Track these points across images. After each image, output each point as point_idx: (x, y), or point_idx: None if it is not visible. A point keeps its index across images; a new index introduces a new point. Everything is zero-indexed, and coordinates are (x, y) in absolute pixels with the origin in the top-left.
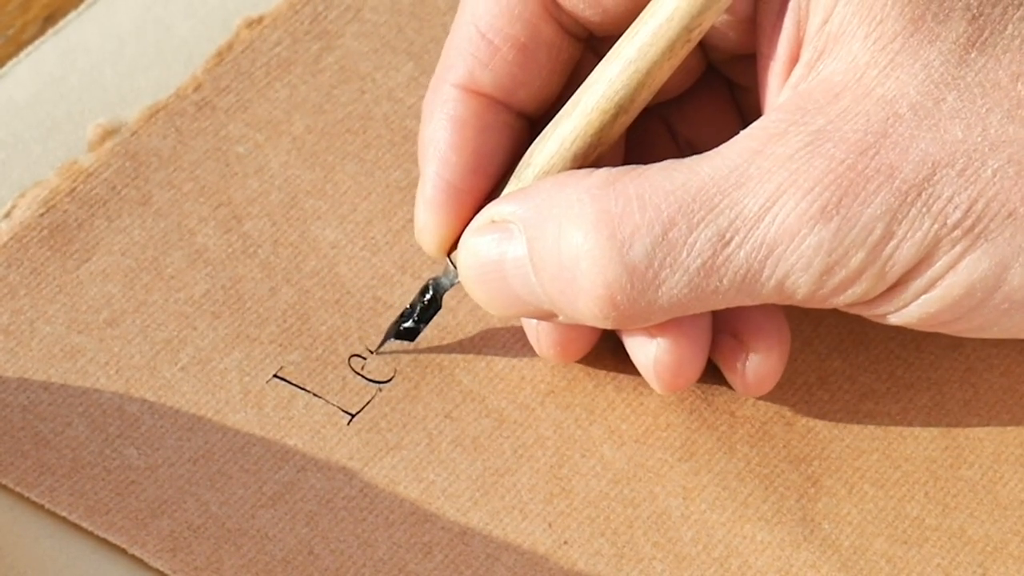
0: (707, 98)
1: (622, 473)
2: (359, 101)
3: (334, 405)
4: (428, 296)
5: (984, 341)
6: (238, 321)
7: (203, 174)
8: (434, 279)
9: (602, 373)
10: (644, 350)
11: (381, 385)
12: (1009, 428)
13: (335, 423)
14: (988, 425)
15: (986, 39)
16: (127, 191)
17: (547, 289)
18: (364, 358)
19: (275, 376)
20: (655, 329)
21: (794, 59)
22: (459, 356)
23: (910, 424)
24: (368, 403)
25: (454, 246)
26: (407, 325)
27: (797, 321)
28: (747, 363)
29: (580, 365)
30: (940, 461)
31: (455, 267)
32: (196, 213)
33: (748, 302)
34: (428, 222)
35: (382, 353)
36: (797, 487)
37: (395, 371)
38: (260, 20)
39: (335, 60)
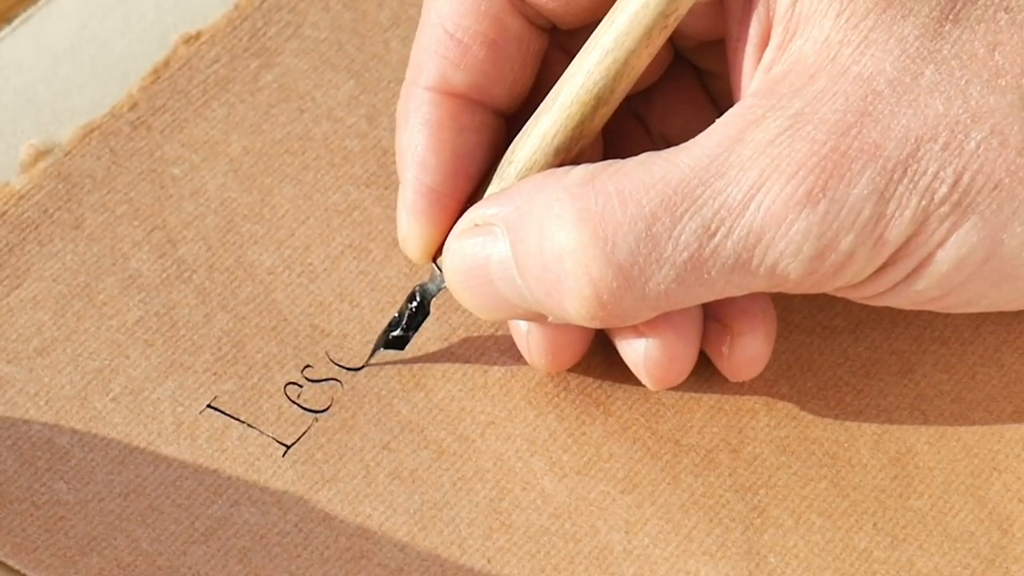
0: (677, 88)
1: (563, 507)
2: (298, 121)
3: (269, 436)
4: (415, 303)
5: (934, 367)
6: (171, 349)
7: (137, 196)
8: (421, 285)
9: (544, 402)
10: (633, 348)
11: (317, 415)
12: (959, 457)
13: (270, 455)
14: (938, 454)
15: (959, 10)
16: (59, 214)
17: (533, 290)
18: (300, 386)
19: (209, 406)
20: (643, 326)
21: (765, 41)
22: (397, 386)
23: (858, 452)
24: (304, 433)
25: (439, 251)
26: (396, 334)
27: None
28: (732, 346)
29: (522, 395)
30: (889, 491)
31: (441, 272)
32: (130, 237)
33: (740, 292)
34: (412, 229)
35: (372, 365)
36: (743, 518)
37: (332, 400)
38: (198, 36)
39: (274, 78)
